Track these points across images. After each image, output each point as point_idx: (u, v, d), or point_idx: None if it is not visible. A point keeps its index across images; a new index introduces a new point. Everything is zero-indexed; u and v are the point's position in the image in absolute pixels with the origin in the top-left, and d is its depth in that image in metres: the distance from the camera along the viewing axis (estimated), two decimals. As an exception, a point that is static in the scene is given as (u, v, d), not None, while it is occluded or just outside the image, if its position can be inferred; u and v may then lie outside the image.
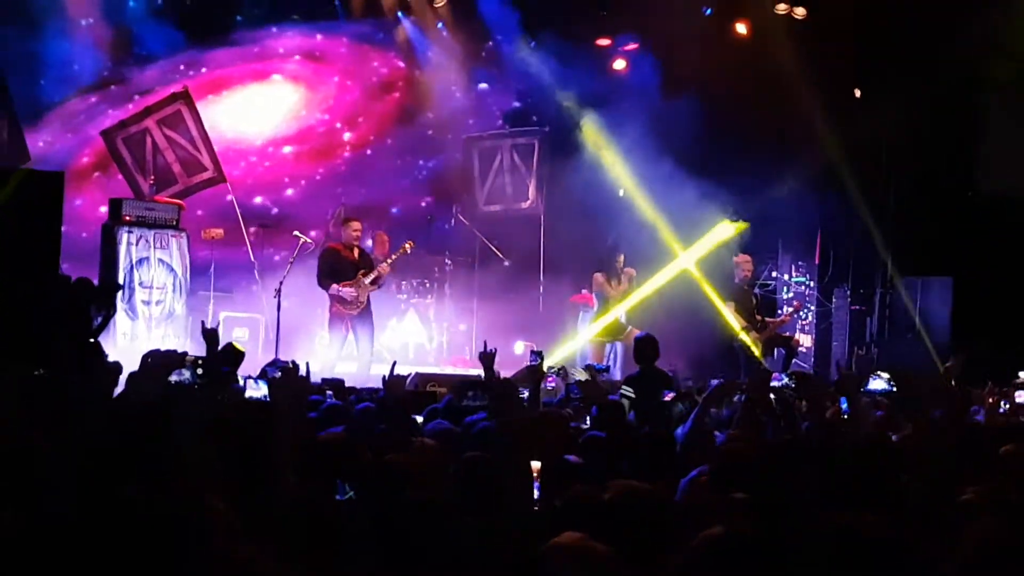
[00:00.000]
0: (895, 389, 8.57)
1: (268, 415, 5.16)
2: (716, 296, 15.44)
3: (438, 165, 18.49)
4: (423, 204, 18.29)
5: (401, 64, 18.25)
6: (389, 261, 14.49)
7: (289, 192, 17.47)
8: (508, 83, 18.36)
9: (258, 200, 17.10)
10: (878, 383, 8.67)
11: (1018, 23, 16.37)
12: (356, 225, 14.31)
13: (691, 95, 16.32)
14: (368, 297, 14.23)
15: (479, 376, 8.46)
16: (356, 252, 14.29)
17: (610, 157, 16.53)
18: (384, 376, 6.74)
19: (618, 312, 15.37)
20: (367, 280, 14.12)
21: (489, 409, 6.60)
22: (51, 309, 10.98)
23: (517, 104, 18.41)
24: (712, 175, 16.16)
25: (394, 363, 6.60)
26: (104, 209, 15.13)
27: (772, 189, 16.35)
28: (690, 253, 15.95)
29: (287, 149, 17.60)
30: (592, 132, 16.68)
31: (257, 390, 6.73)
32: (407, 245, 14.84)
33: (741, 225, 16.06)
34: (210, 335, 6.28)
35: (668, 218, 16.12)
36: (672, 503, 5.02)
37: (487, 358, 8.00)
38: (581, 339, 15.74)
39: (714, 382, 7.83)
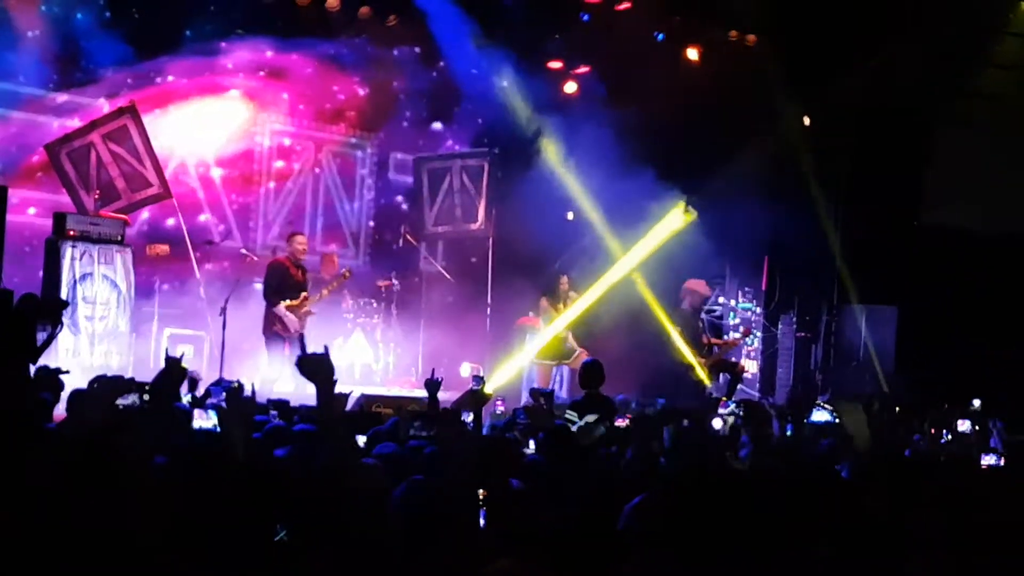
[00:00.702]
0: (837, 421, 8.60)
1: (221, 448, 5.05)
2: (665, 318, 15.48)
3: (387, 186, 18.44)
4: (371, 224, 18.24)
5: (353, 81, 18.14)
6: (327, 290, 14.40)
7: (236, 209, 17.32)
8: (463, 113, 18.32)
9: (204, 217, 16.93)
10: (821, 415, 8.68)
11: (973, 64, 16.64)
12: (301, 239, 14.23)
13: (642, 119, 16.37)
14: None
15: (425, 400, 8.42)
16: (302, 271, 14.20)
17: (566, 172, 16.54)
18: None
19: (563, 334, 15.44)
20: (308, 304, 14.05)
21: (434, 439, 6.55)
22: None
23: (466, 148, 18.30)
24: (662, 196, 16.28)
25: (335, 380, 6.46)
26: (32, 210, 14.94)
27: (720, 214, 16.42)
28: (642, 245, 16.03)
29: (235, 166, 17.44)
30: (551, 144, 16.69)
31: (206, 420, 6.58)
32: (345, 272, 14.80)
33: (690, 215, 16.14)
34: (172, 363, 6.13)
35: (618, 236, 16.25)
36: (613, 529, 5.00)
37: (432, 386, 7.97)
38: (523, 361, 15.72)
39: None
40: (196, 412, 7.01)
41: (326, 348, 5.25)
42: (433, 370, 8.42)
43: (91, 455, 4.34)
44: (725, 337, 17.29)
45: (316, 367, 5.08)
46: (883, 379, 16.48)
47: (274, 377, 13.68)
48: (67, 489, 4.17)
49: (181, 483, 4.50)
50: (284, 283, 13.97)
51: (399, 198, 18.36)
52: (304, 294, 14.01)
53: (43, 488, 4.25)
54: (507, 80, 17.28)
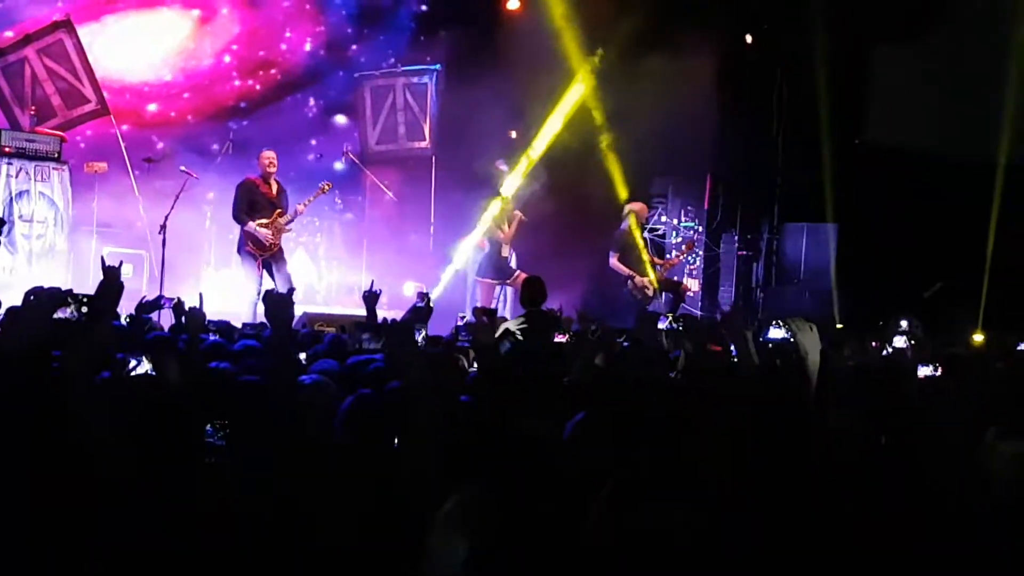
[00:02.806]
0: (792, 339, 8.61)
1: (158, 394, 5.00)
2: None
3: (328, 102, 18.21)
4: (313, 142, 18.03)
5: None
6: (306, 202, 14.21)
7: (176, 126, 17.08)
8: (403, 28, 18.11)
9: (143, 133, 16.68)
10: (777, 332, 8.57)
11: None
12: (268, 155, 13.88)
13: (588, 38, 16.29)
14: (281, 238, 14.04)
15: (377, 321, 8.42)
16: (274, 187, 13.94)
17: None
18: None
19: (505, 252, 15.49)
20: (283, 220, 13.87)
21: (385, 351, 6.54)
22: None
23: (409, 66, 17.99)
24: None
25: (291, 328, 6.37)
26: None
27: (662, 133, 16.40)
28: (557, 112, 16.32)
29: (175, 81, 17.18)
30: None
31: (141, 366, 6.50)
32: (324, 185, 14.57)
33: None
34: (110, 273, 6.06)
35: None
36: (558, 444, 5.03)
37: (371, 298, 7.99)
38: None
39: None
40: (129, 360, 6.94)
41: (291, 291, 5.25)
42: (372, 282, 8.43)
43: (28, 371, 4.29)
44: (668, 256, 17.36)
45: (277, 310, 5.12)
46: (835, 297, 16.63)
47: (251, 296, 13.51)
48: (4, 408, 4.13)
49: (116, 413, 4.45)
50: (252, 201, 13.76)
51: (340, 115, 18.12)
52: (278, 211, 13.85)
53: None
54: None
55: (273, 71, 17.86)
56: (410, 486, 4.08)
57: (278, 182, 14.05)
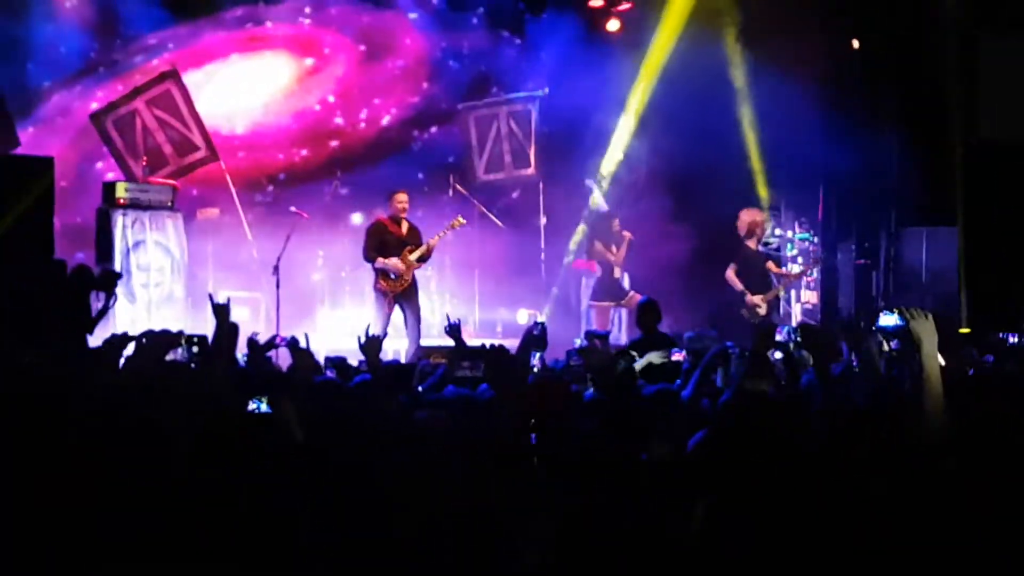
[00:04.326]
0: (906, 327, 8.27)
1: (269, 428, 5.00)
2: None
3: (434, 136, 18.26)
4: (419, 176, 18.06)
5: (396, 32, 17.93)
6: (438, 237, 14.28)
7: (284, 167, 17.29)
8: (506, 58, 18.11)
9: (252, 177, 16.89)
10: (889, 319, 8.14)
11: None
12: (401, 198, 14.05)
13: (685, 53, 16.17)
14: (413, 275, 14.07)
15: (473, 347, 8.41)
16: (404, 227, 14.09)
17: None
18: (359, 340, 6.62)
19: (617, 274, 15.43)
20: (412, 257, 13.94)
21: (486, 378, 6.49)
22: (48, 296, 10.88)
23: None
24: (712, 131, 16.13)
25: (368, 326, 6.53)
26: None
27: (773, 144, 16.16)
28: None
29: (280, 124, 17.39)
30: None
31: (260, 407, 6.54)
32: (458, 220, 14.60)
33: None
34: (220, 310, 6.12)
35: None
36: (678, 465, 4.92)
37: (454, 331, 8.05)
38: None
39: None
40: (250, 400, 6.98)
41: (381, 336, 5.42)
42: (448, 315, 8.48)
43: (133, 412, 4.30)
44: (783, 268, 17.02)
45: (368, 351, 5.35)
46: (961, 301, 16.14)
47: (378, 335, 13.52)
48: (107, 446, 4.13)
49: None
50: (382, 241, 13.91)
51: (446, 148, 18.13)
52: (408, 247, 13.94)
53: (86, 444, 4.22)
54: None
55: (388, 63, 17.89)
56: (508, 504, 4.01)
57: (409, 222, 14.15)
